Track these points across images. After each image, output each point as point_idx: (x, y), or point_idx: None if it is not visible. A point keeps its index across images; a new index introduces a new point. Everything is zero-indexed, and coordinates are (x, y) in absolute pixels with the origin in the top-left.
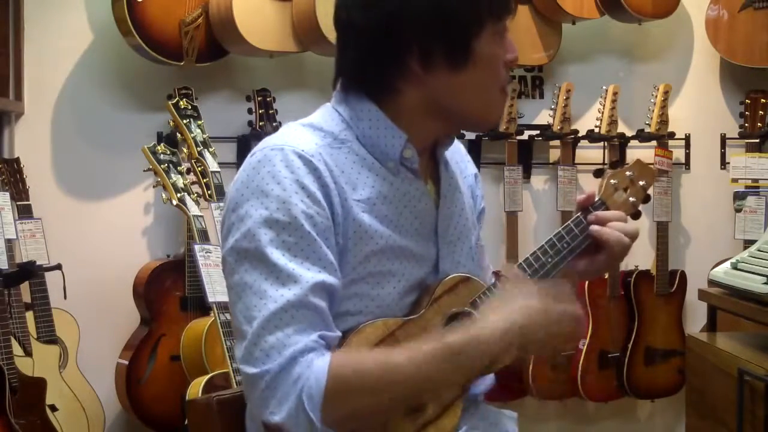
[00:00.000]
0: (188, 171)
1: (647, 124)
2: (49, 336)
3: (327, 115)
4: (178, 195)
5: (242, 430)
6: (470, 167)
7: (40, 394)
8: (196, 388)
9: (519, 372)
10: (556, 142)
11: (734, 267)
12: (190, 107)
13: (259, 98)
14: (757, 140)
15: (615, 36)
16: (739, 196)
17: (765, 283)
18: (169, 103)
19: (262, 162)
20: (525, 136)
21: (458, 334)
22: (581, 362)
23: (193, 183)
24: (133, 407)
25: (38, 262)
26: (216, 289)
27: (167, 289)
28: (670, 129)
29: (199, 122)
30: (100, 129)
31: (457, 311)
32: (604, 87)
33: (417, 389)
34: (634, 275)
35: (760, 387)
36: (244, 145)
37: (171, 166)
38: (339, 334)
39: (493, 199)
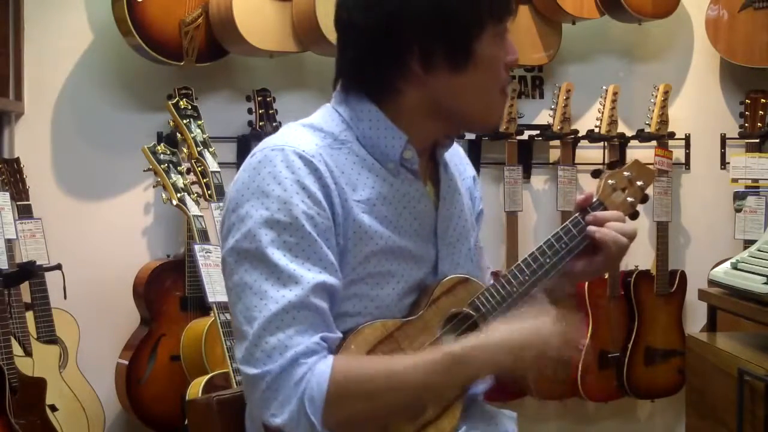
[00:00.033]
0: (188, 171)
1: (647, 124)
2: (49, 336)
3: (327, 115)
4: (178, 195)
5: (242, 430)
6: (469, 169)
7: (40, 394)
8: (196, 388)
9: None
10: (556, 142)
11: (734, 267)
12: (190, 107)
13: (259, 98)
14: (757, 140)
15: (615, 36)
16: (739, 196)
17: (765, 283)
18: (169, 103)
19: (262, 162)
20: (525, 136)
21: (462, 342)
22: (581, 362)
23: (193, 183)
24: (133, 407)
25: (38, 262)
26: (216, 289)
27: (167, 289)
28: (670, 129)
29: (199, 122)
30: (100, 129)
31: (456, 312)
32: (604, 87)
33: (418, 396)
34: (634, 275)
35: (760, 387)
36: (244, 145)
37: (171, 166)
38: (340, 335)
39: (493, 199)
